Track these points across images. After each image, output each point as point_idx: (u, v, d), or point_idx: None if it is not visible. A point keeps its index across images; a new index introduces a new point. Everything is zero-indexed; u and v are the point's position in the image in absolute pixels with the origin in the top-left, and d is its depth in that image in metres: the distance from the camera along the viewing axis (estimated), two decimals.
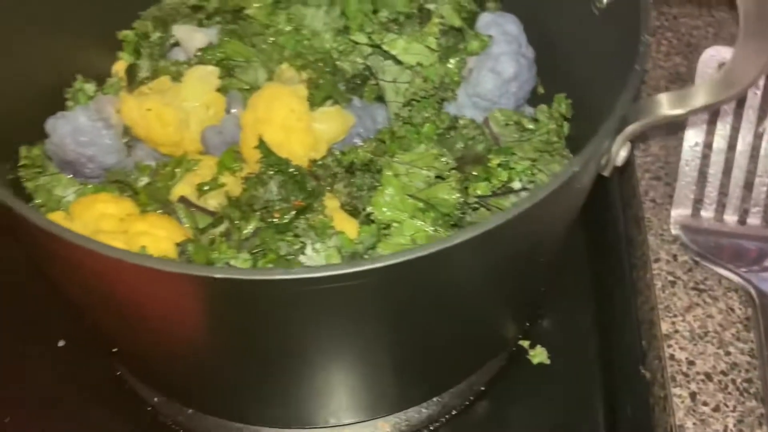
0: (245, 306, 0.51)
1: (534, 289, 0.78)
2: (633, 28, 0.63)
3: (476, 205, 0.70)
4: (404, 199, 0.71)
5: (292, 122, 0.75)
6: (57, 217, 0.71)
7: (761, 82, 0.85)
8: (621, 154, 0.61)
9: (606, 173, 0.63)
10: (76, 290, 0.62)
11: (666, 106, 0.59)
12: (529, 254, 0.64)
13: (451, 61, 0.81)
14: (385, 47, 0.79)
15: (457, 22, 0.82)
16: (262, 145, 0.74)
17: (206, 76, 0.81)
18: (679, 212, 0.86)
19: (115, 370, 0.81)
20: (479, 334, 0.72)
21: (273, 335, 0.57)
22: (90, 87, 0.82)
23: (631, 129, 0.59)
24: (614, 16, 0.69)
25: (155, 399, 0.78)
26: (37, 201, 0.74)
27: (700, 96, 0.59)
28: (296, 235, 0.67)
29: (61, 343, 0.82)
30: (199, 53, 0.85)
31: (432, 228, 0.70)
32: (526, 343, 0.83)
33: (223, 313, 0.53)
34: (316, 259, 0.67)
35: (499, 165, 0.72)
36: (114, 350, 0.72)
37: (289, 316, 0.53)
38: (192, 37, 0.86)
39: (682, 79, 1.01)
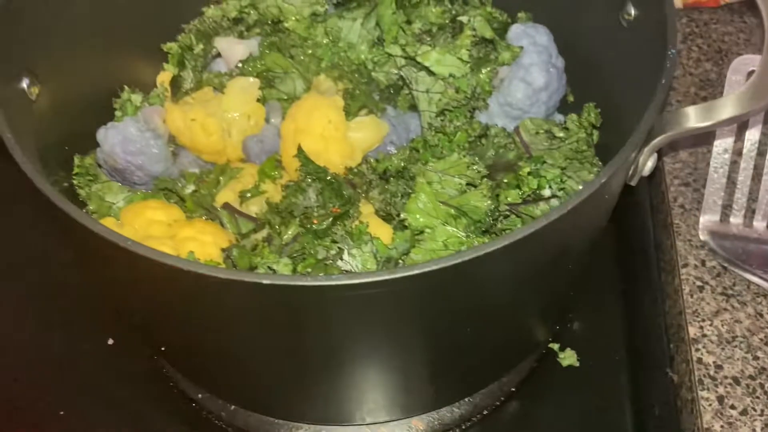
0: (290, 310, 0.54)
1: (563, 293, 0.80)
2: (660, 41, 0.65)
3: (507, 213, 0.72)
4: (437, 206, 0.73)
5: (330, 132, 0.79)
6: (108, 222, 0.75)
7: None
8: (648, 165, 0.63)
9: (633, 183, 0.65)
10: (128, 294, 0.66)
11: (693, 118, 0.61)
12: (558, 260, 0.66)
13: (483, 71, 0.84)
14: (418, 59, 0.81)
15: (489, 34, 0.84)
16: (301, 153, 0.77)
17: (248, 87, 0.85)
18: (708, 218, 0.87)
19: (161, 367, 0.85)
20: (510, 337, 0.75)
21: (315, 338, 0.60)
22: (137, 97, 0.86)
23: (657, 141, 0.60)
24: (642, 28, 0.71)
25: (199, 395, 0.82)
26: (90, 207, 0.79)
27: (726, 108, 0.60)
28: (333, 241, 0.70)
29: (110, 342, 0.86)
30: (240, 65, 0.89)
31: (464, 234, 0.72)
32: (555, 346, 0.85)
33: (269, 316, 0.56)
34: (353, 264, 0.70)
35: (529, 173, 0.74)
36: (162, 349, 0.76)
37: (330, 320, 0.56)
38: (233, 49, 0.90)
39: (712, 86, 1.02)
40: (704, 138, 0.94)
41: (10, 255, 0.84)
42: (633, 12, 0.73)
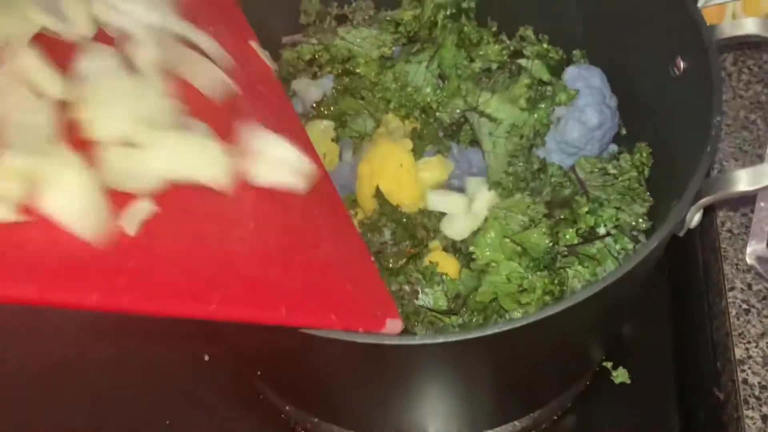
0: (384, 358, 0.63)
1: (619, 323, 0.87)
2: (706, 102, 0.70)
3: (566, 253, 0.79)
4: (503, 242, 0.80)
5: (402, 175, 0.86)
6: None
7: None
8: (695, 219, 0.69)
9: (681, 234, 0.71)
10: (225, 333, 0.76)
11: (741, 183, 0.64)
12: (618, 301, 0.73)
13: (541, 106, 0.90)
14: (479, 108, 0.88)
15: (546, 77, 0.90)
16: (379, 195, 0.86)
17: (325, 130, 0.93)
18: (755, 243, 0.92)
19: (252, 382, 0.95)
20: (570, 364, 0.82)
21: (396, 373, 0.69)
22: None
23: (704, 201, 0.66)
24: (689, 84, 0.76)
25: (287, 407, 0.91)
26: None
27: None
28: (409, 282, 0.78)
29: (206, 358, 0.97)
30: (314, 105, 0.97)
31: (524, 270, 0.80)
32: (609, 364, 0.91)
33: (362, 361, 0.65)
34: (426, 301, 0.78)
35: (587, 212, 0.80)
36: (257, 373, 0.86)
37: (414, 364, 0.65)
38: (309, 90, 0.98)
39: (762, 108, 1.05)
40: (752, 163, 0.98)
41: None
42: (682, 65, 0.78)
